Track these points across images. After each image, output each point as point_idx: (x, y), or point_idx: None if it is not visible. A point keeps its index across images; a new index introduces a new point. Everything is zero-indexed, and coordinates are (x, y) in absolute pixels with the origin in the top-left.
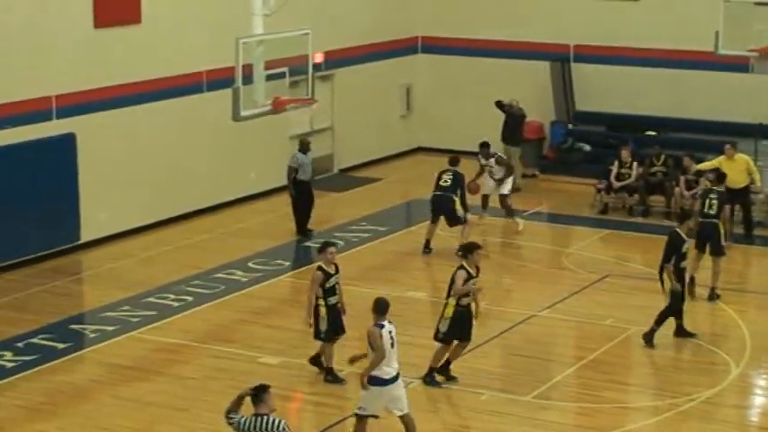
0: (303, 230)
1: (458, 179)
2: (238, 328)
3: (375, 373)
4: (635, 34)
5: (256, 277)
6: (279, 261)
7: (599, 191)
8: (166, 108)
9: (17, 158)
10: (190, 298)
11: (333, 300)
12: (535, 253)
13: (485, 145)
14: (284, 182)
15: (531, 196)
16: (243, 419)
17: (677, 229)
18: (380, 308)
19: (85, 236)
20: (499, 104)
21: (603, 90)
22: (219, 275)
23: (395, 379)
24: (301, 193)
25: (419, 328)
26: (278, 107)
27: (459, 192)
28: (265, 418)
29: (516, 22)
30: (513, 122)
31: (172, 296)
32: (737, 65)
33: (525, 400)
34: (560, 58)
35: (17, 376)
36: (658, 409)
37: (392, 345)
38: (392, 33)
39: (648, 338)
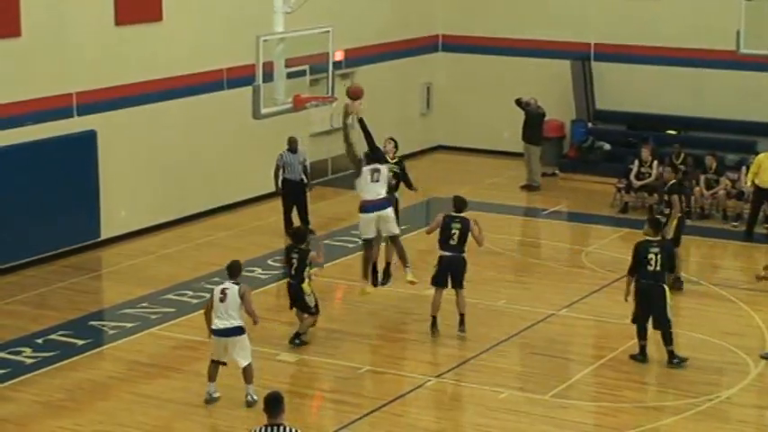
0: (289, 230)
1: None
2: (257, 325)
3: (212, 324)
4: (656, 33)
5: (275, 275)
6: None
7: (619, 190)
8: (187, 105)
9: (38, 155)
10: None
11: None
12: (554, 252)
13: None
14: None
15: (551, 195)
16: (256, 429)
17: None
18: (227, 269)
19: (105, 233)
20: (518, 103)
21: (624, 89)
22: None
23: (228, 332)
24: (289, 193)
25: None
26: (298, 105)
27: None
28: (281, 428)
29: (537, 21)
30: (533, 121)
31: (191, 293)
32: (759, 64)
33: (544, 399)
34: (581, 57)
35: (36, 372)
36: (677, 409)
37: (221, 300)
38: (413, 32)
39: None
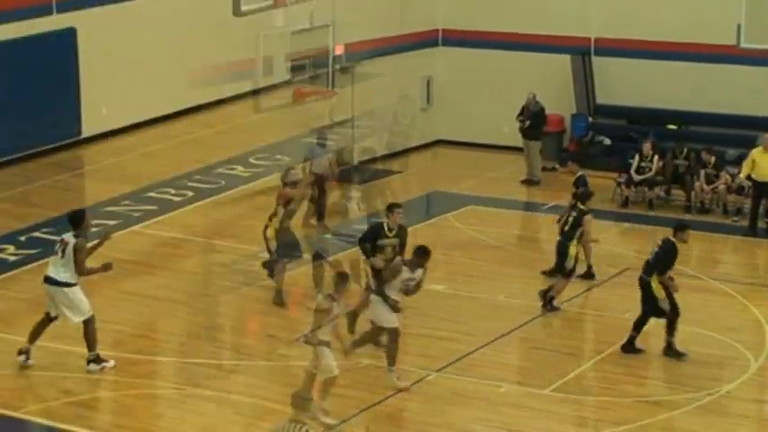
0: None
1: None
2: (239, 223)
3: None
4: (656, 27)
5: (257, 173)
6: (279, 156)
7: (619, 184)
8: (167, 1)
9: (17, 54)
10: (191, 193)
11: None
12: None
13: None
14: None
15: (551, 189)
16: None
17: (674, 240)
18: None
19: (87, 131)
20: (522, 112)
21: (624, 83)
22: (220, 170)
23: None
24: (314, 186)
25: (437, 320)
26: (299, 99)
27: None
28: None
29: (537, 15)
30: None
31: (173, 191)
32: (760, 59)
33: (544, 394)
34: (581, 52)
35: (19, 270)
36: (677, 403)
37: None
38: (413, 26)
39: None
